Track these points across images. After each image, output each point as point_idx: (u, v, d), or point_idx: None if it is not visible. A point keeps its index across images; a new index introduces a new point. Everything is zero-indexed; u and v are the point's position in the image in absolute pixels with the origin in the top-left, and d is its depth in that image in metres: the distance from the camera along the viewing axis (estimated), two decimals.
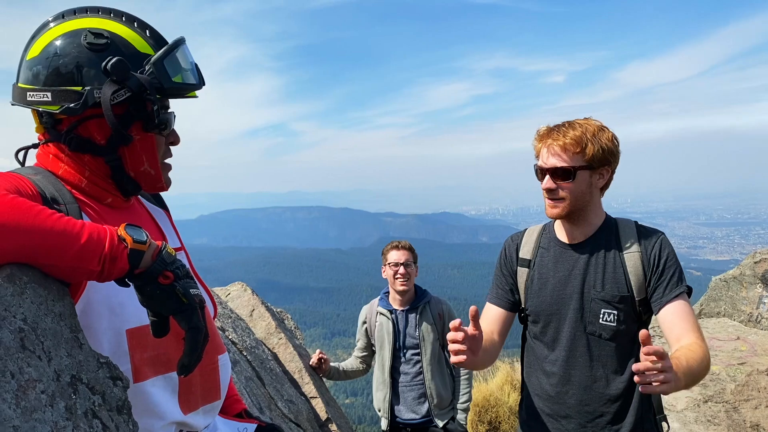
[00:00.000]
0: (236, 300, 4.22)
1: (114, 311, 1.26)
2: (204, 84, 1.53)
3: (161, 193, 1.71)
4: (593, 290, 2.11)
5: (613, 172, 2.14)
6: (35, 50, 1.33)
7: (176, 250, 1.51)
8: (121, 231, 1.12)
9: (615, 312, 2.08)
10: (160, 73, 1.34)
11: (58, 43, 1.32)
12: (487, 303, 2.35)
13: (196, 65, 1.47)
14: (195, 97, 1.53)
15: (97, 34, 1.31)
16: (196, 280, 1.24)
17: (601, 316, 2.09)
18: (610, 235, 2.17)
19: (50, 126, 1.34)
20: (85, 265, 1.06)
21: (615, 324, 2.08)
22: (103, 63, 1.28)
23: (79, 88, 1.29)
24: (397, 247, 3.87)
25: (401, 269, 3.77)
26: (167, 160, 1.48)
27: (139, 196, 1.61)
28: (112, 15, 1.36)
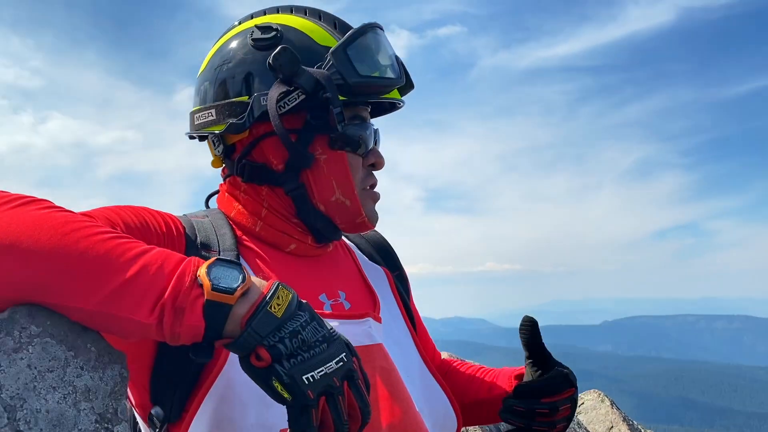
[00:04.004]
0: (590, 412, 3.44)
1: (265, 402, 0.85)
2: (409, 82, 1.10)
3: (395, 252, 1.29)
4: None
5: None
6: (203, 65, 1.10)
7: (373, 317, 1.06)
8: (201, 271, 0.72)
9: None
10: (343, 64, 0.97)
11: (224, 49, 1.06)
12: None
13: (398, 58, 1.06)
14: (398, 102, 1.10)
15: (264, 28, 1.01)
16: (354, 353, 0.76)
17: None
18: None
19: (224, 155, 1.07)
20: (126, 313, 0.68)
21: None
22: (268, 59, 0.97)
23: (245, 98, 1.00)
24: None
25: None
26: (372, 189, 1.08)
27: (351, 247, 1.22)
28: (293, 11, 1.06)
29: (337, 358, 0.72)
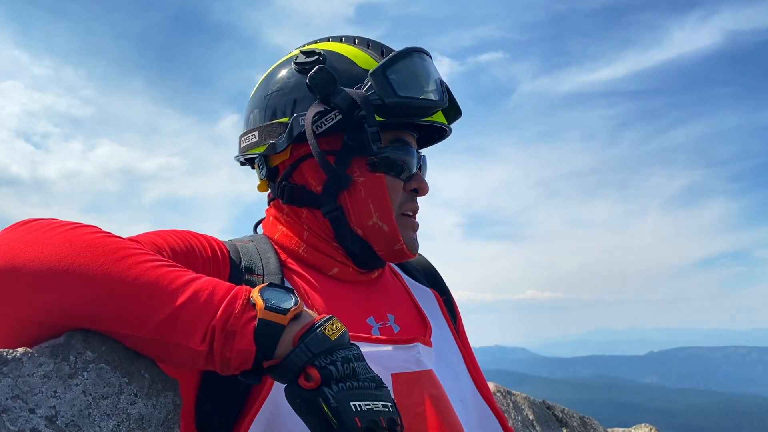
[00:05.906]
0: None
1: None
2: (454, 107, 1.09)
3: (442, 278, 1.27)
4: None
5: None
6: (253, 91, 1.13)
7: (423, 341, 1.03)
8: (254, 293, 0.73)
9: None
10: (381, 85, 0.97)
11: (272, 76, 1.10)
12: None
13: (442, 83, 1.06)
14: (445, 128, 1.09)
15: (308, 52, 1.04)
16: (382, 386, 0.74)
17: None
18: None
19: (269, 178, 1.09)
20: (178, 339, 0.68)
21: None
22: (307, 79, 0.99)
23: (285, 119, 1.02)
24: None
25: None
26: (412, 216, 1.07)
27: (396, 269, 1.20)
28: (342, 40, 1.08)
29: (385, 402, 0.71)
